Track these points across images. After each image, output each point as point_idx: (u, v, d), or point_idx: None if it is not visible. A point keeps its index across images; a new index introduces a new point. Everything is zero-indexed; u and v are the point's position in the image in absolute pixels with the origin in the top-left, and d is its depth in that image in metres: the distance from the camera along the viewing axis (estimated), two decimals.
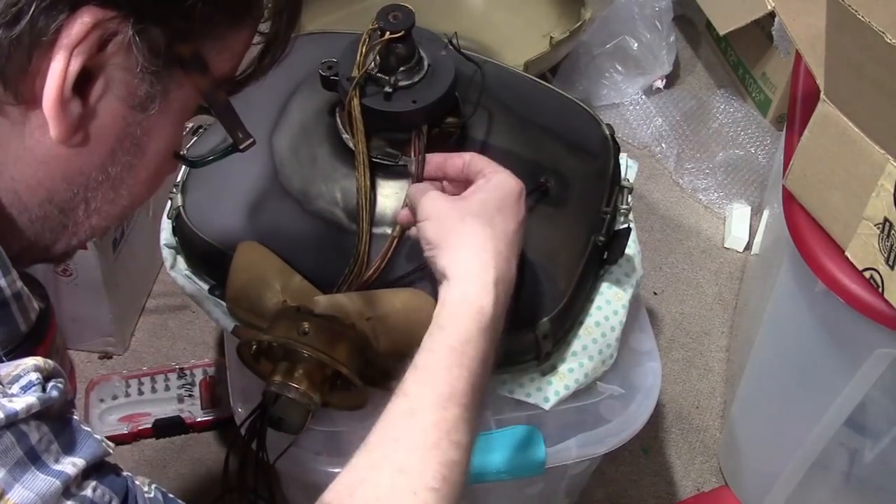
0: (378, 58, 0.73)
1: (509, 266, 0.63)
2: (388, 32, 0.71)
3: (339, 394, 0.73)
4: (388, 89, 0.72)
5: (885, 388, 0.89)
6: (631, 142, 1.55)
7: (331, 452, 0.77)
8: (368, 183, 0.73)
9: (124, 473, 0.46)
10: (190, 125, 0.83)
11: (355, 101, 0.72)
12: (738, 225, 1.41)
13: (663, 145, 1.53)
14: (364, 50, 0.72)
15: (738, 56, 1.62)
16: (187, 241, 0.79)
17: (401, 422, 0.55)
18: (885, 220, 0.71)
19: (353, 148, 0.74)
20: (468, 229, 0.62)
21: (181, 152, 0.57)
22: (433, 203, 0.64)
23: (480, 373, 0.58)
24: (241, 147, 0.56)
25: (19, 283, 0.46)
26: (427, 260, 0.64)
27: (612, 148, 0.84)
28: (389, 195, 0.75)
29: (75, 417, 0.45)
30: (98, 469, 0.44)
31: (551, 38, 1.36)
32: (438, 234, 0.63)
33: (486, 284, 0.60)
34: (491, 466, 0.77)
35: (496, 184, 0.65)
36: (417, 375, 0.57)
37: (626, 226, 0.80)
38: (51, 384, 0.43)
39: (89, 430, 0.45)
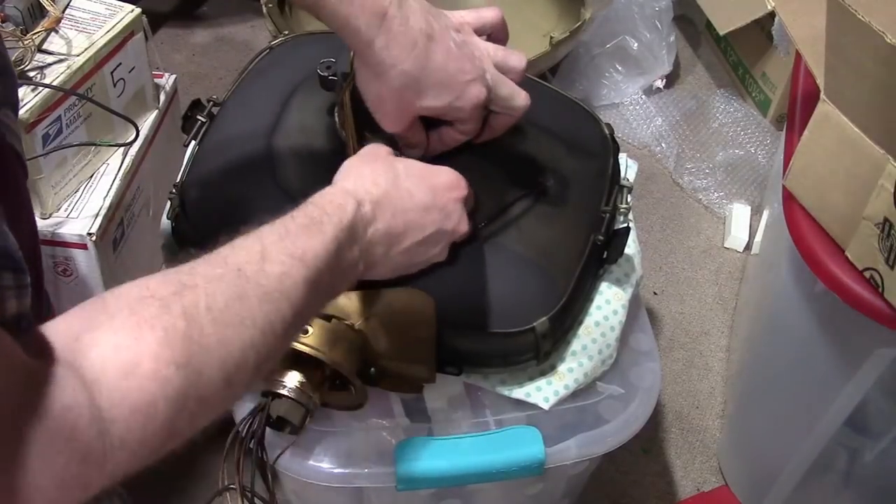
0: None
1: (400, 222, 0.63)
2: None
3: (338, 394, 0.73)
4: None
5: (885, 388, 0.89)
6: (631, 142, 1.55)
7: (330, 452, 0.77)
8: None
9: None
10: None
11: (346, 99, 0.72)
12: (738, 225, 1.41)
13: (663, 145, 1.53)
14: None
15: (738, 56, 1.62)
16: (187, 242, 0.79)
17: (249, 256, 0.51)
18: (885, 220, 0.71)
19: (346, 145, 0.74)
20: (381, 164, 0.65)
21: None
22: (373, 146, 0.68)
23: (330, 264, 0.56)
24: None
25: None
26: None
27: (611, 147, 0.84)
28: None
29: None
30: None
31: (551, 38, 1.36)
32: (354, 159, 0.66)
33: (368, 192, 0.61)
34: (490, 466, 0.77)
35: (432, 168, 0.68)
36: (275, 228, 0.54)
37: (625, 225, 0.80)
38: None
39: None
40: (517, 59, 0.72)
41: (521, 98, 0.72)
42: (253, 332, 0.48)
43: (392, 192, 0.63)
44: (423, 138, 0.73)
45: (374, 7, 0.62)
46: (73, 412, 0.39)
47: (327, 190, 0.61)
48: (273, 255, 0.52)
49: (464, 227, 0.68)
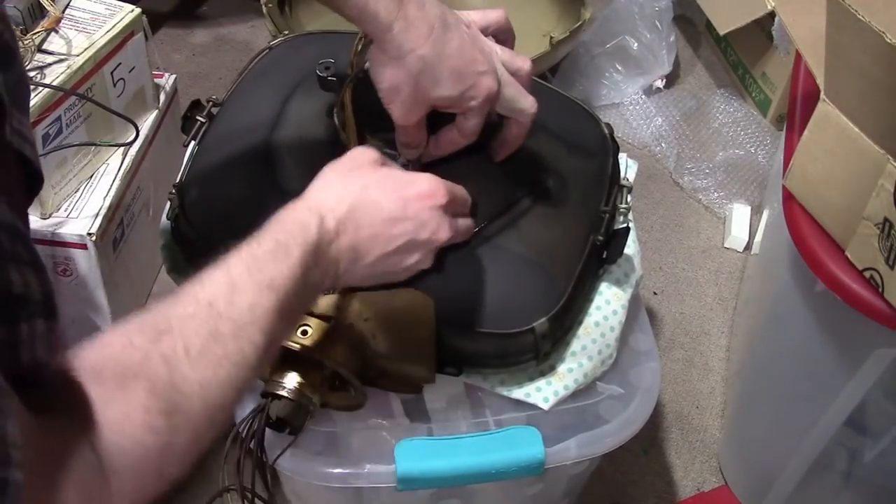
0: None
1: (366, 234, 0.62)
2: None
3: (337, 394, 0.73)
4: None
5: (885, 388, 0.89)
6: (631, 142, 1.54)
7: (329, 452, 0.77)
8: None
9: None
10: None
11: (347, 100, 0.72)
12: (738, 225, 1.41)
13: (663, 145, 1.53)
14: (359, 49, 0.72)
15: (738, 56, 1.62)
16: (187, 242, 0.79)
17: (219, 290, 0.52)
18: (885, 220, 0.71)
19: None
20: (355, 175, 0.64)
21: None
22: (359, 150, 0.67)
23: (297, 287, 0.56)
24: None
25: None
26: None
27: (611, 147, 0.84)
28: None
29: None
30: None
31: (551, 38, 1.36)
32: (332, 166, 0.65)
33: (332, 209, 0.61)
34: (490, 466, 0.76)
35: (409, 177, 0.67)
36: (242, 257, 0.54)
37: (625, 225, 0.80)
38: None
39: None
40: (523, 60, 0.72)
41: (527, 101, 0.72)
42: (230, 370, 0.50)
43: (357, 206, 0.62)
44: (424, 138, 0.73)
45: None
46: (84, 469, 0.42)
47: (293, 206, 0.60)
48: (242, 286, 0.52)
49: (444, 234, 0.67)
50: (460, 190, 0.70)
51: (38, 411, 0.42)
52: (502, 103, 0.70)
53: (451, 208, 0.68)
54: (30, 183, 0.53)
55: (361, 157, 0.66)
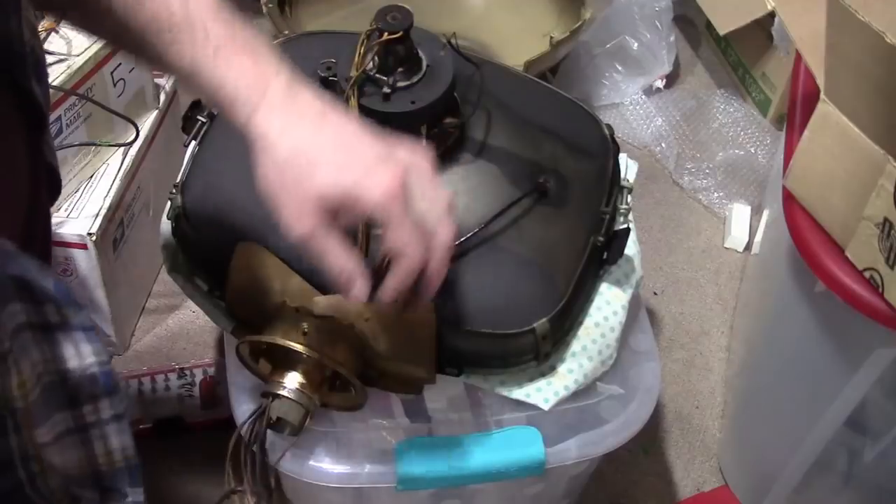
0: (376, 58, 0.73)
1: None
2: (386, 33, 0.71)
3: (338, 394, 0.73)
4: (386, 90, 0.72)
5: (885, 388, 0.89)
6: (631, 142, 1.54)
7: (330, 452, 0.77)
8: None
9: None
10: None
11: (353, 101, 0.72)
12: (738, 225, 1.41)
13: (663, 145, 1.53)
14: (362, 50, 0.72)
15: (738, 56, 1.62)
16: (187, 242, 0.79)
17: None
18: (885, 220, 0.71)
19: None
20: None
21: None
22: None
23: None
24: None
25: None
26: None
27: (611, 148, 0.84)
28: None
29: None
30: None
31: (551, 38, 1.36)
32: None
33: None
34: (491, 467, 0.77)
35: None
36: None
37: (625, 226, 0.80)
38: None
39: None
40: (446, 231, 0.58)
41: (444, 229, 0.57)
42: None
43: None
44: (349, 260, 0.57)
45: (256, 73, 0.55)
46: None
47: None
48: None
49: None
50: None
51: None
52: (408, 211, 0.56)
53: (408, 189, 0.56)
54: (52, 190, 0.53)
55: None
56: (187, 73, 0.54)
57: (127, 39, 0.53)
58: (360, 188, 0.54)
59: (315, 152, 0.54)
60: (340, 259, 0.56)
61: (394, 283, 0.58)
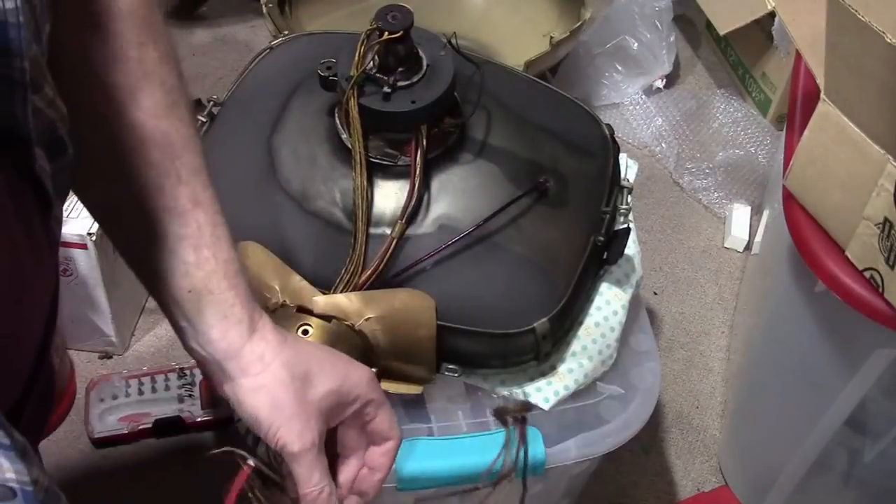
0: (377, 58, 0.73)
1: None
2: (386, 32, 0.71)
3: None
4: (386, 89, 0.72)
5: (885, 388, 0.89)
6: (631, 142, 1.54)
7: None
8: (366, 183, 0.73)
9: None
10: None
11: (353, 101, 0.72)
12: (738, 225, 1.41)
13: (663, 145, 1.53)
14: (362, 50, 0.72)
15: (738, 56, 1.62)
16: None
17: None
18: (885, 220, 0.71)
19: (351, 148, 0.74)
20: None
21: None
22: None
23: None
24: None
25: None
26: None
27: (611, 148, 0.84)
28: (388, 195, 0.75)
29: None
30: None
31: (551, 38, 1.36)
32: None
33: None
34: (491, 467, 0.76)
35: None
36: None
37: (625, 226, 0.80)
38: None
39: None
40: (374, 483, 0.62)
41: (394, 432, 0.61)
42: None
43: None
44: (327, 479, 0.58)
45: (240, 317, 0.56)
46: None
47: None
48: None
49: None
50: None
51: None
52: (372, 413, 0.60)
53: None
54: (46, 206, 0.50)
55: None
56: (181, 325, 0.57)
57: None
58: (349, 390, 0.58)
59: (302, 366, 0.57)
60: (317, 478, 0.58)
61: (389, 462, 0.61)
